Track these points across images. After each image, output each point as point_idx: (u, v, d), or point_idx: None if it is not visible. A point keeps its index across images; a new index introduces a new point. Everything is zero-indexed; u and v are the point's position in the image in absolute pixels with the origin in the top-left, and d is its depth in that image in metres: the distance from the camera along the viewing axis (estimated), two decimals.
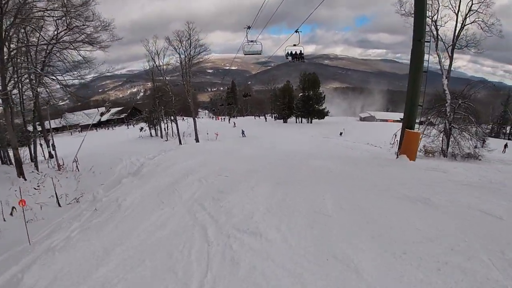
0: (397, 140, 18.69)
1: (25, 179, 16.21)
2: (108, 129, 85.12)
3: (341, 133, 42.28)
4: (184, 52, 33.61)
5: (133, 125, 62.35)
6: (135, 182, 14.22)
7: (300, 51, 20.22)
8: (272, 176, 11.68)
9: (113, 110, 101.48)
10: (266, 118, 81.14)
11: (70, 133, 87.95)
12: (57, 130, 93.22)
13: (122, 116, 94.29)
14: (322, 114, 66.62)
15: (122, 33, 23.96)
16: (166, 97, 41.06)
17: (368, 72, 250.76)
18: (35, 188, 14.44)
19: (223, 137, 39.30)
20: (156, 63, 36.19)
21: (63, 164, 21.26)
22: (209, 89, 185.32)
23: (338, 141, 32.77)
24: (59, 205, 12.72)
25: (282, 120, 70.71)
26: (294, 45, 19.26)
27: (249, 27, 19.40)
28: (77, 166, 20.62)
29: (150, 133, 50.20)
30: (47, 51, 21.24)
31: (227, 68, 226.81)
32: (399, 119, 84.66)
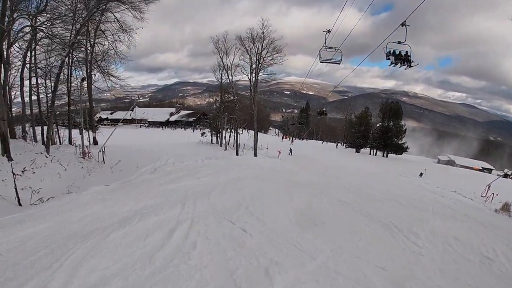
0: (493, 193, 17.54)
1: (11, 160, 13.25)
2: (174, 129, 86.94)
3: (421, 174, 36.12)
4: (256, 53, 29.72)
5: (199, 130, 59.40)
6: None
7: (406, 52, 14.24)
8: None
9: (183, 112, 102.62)
10: (337, 145, 75.64)
11: (139, 126, 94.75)
12: (126, 121, 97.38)
13: (191, 119, 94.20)
14: (400, 149, 59.81)
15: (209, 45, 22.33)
16: (231, 103, 38.69)
17: (446, 115, 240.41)
18: (14, 173, 10.78)
19: (286, 157, 35.28)
20: (224, 62, 33.34)
21: (89, 152, 19.20)
22: (284, 110, 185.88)
23: (419, 183, 26.90)
24: (19, 204, 9.64)
25: (354, 149, 64.76)
26: (399, 42, 13.55)
27: (329, 31, 15.91)
28: (103, 158, 18.62)
29: (211, 140, 48.94)
30: None
31: (304, 92, 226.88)
32: (482, 168, 77.75)
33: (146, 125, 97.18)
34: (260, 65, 29.94)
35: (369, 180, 21.85)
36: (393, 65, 14.34)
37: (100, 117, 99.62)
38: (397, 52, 14.18)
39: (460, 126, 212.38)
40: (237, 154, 31.53)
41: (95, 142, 25.39)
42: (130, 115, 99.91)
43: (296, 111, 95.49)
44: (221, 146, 42.41)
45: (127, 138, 41.02)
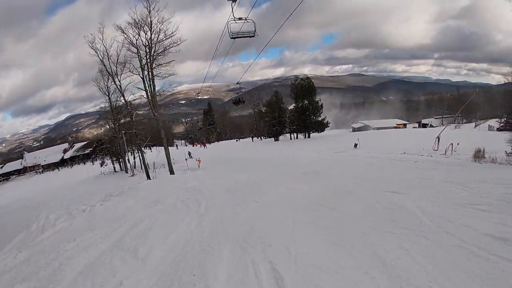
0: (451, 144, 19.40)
1: None
2: (71, 167, 78.93)
3: (356, 145, 32.51)
4: (146, 42, 23.29)
5: (99, 161, 51.10)
6: None
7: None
8: None
9: (78, 145, 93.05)
10: (252, 139, 72.03)
11: (33, 174, 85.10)
12: (19, 172, 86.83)
13: (87, 151, 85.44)
14: (322, 126, 56.96)
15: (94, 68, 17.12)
16: (126, 117, 32.36)
17: (338, 88, 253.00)
18: None
19: (210, 163, 29.62)
20: (108, 66, 26.83)
21: None
22: (183, 120, 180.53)
23: (364, 155, 23.33)
24: None
25: (273, 139, 60.83)
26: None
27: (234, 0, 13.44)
28: None
29: (114, 168, 41.84)
30: None
31: (199, 98, 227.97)
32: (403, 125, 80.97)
33: (40, 170, 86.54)
34: (153, 57, 23.44)
35: (317, 166, 18.53)
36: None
37: None
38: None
39: (354, 96, 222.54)
40: (148, 177, 24.85)
41: None
42: (21, 163, 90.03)
43: (195, 118, 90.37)
44: (126, 172, 35.45)
45: (16, 192, 37.61)
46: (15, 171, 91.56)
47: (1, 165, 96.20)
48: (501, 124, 35.49)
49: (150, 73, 23.87)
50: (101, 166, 43.88)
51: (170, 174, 24.36)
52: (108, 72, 26.97)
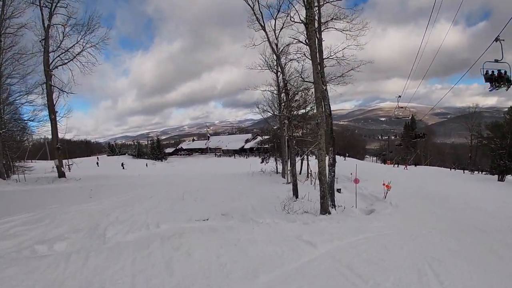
0: None
1: None
2: (247, 157, 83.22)
3: None
4: None
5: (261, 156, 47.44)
6: None
7: (505, 71, 12.15)
8: None
9: (260, 138, 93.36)
10: (464, 171, 57.66)
11: (212, 155, 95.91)
12: (202, 151, 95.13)
13: (268, 145, 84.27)
14: None
15: None
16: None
17: None
18: None
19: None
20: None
21: None
22: (380, 137, 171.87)
23: None
24: None
25: (494, 177, 44.47)
26: (496, 60, 11.99)
27: (399, 96, 18.88)
28: None
29: (276, 168, 37.96)
30: None
31: (400, 117, 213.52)
32: None
33: (219, 153, 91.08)
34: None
35: None
36: (492, 88, 12.99)
37: (181, 147, 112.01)
38: (495, 73, 12.65)
39: None
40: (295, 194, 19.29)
41: None
42: (206, 144, 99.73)
43: (393, 137, 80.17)
44: (283, 177, 30.61)
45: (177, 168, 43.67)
46: (198, 149, 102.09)
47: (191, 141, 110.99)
48: None
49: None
50: (262, 161, 41.24)
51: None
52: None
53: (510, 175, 43.64)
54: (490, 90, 13.12)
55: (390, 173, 36.42)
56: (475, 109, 66.49)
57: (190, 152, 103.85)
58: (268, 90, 29.99)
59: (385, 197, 18.95)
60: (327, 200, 14.83)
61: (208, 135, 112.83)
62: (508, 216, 14.84)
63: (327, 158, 16.11)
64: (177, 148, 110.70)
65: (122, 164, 63.33)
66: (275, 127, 37.33)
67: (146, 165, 69.91)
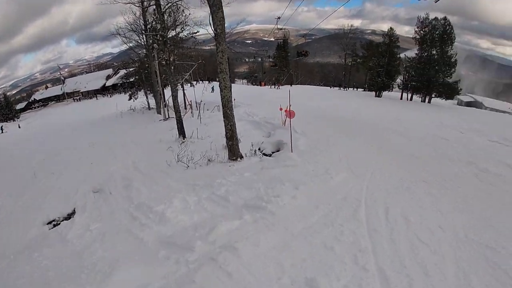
0: None
1: None
2: (111, 96, 75.34)
3: None
4: None
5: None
6: None
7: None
8: None
9: (124, 71, 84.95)
10: (339, 88, 61.24)
11: (73, 100, 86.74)
12: (58, 98, 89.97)
13: (133, 79, 77.20)
14: (452, 91, 42.45)
15: None
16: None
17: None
18: None
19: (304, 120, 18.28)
20: None
21: None
22: (247, 59, 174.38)
23: None
24: None
25: (371, 94, 47.45)
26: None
27: (279, 18, 18.53)
28: None
29: (148, 104, 33.89)
30: None
31: (266, 39, 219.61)
32: None
33: (78, 97, 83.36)
34: None
35: None
36: None
37: (34, 98, 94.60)
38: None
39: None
40: (182, 133, 16.82)
41: None
42: (61, 89, 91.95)
43: (259, 59, 79.66)
44: (159, 113, 27.14)
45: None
46: (54, 96, 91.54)
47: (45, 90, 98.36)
48: None
49: None
50: (130, 98, 36.05)
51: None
52: None
53: (386, 91, 46.99)
54: None
55: (273, 95, 35.25)
56: (349, 29, 67.57)
57: (46, 102, 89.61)
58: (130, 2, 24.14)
59: (284, 123, 16.93)
60: (236, 141, 12.03)
61: (63, 78, 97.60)
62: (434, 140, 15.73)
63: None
64: (30, 101, 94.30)
65: None
66: (141, 55, 32.29)
67: None
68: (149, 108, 32.43)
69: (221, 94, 11.57)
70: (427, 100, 43.79)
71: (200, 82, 36.90)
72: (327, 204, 7.97)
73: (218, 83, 11.70)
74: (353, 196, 8.52)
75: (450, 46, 41.03)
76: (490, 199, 8.89)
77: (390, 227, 6.85)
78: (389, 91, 47.51)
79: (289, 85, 62.35)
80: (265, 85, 68.06)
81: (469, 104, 66.06)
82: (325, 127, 17.58)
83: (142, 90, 34.85)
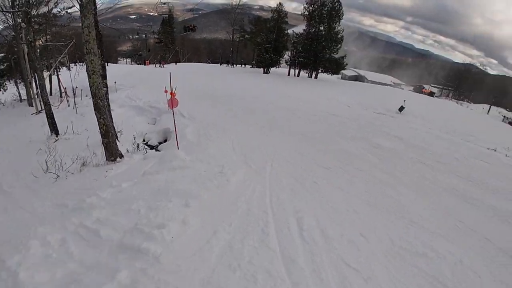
0: None
1: None
2: None
3: (401, 108, 23.34)
4: None
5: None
6: None
7: None
8: None
9: None
10: (227, 64, 60.48)
11: None
12: None
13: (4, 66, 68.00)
14: (338, 67, 44.33)
15: None
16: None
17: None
18: None
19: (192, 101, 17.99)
20: None
21: None
22: (131, 37, 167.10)
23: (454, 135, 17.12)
24: None
25: (259, 70, 47.66)
26: None
27: None
28: None
29: (19, 95, 28.17)
30: None
31: (151, 14, 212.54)
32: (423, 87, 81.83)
33: None
34: None
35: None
36: None
37: None
38: None
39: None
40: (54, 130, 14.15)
41: None
42: None
43: (143, 36, 75.46)
44: (31, 105, 22.89)
45: None
46: None
47: None
48: None
49: None
50: None
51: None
52: None
53: (274, 67, 47.24)
54: None
55: (158, 75, 31.78)
56: (237, 4, 66.57)
57: None
58: None
59: (171, 107, 14.74)
60: (113, 137, 10.18)
61: None
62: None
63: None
64: None
65: None
66: (9, 37, 27.30)
67: None
68: (20, 100, 27.73)
69: (89, 81, 9.44)
70: (313, 75, 45.12)
71: (80, 64, 32.73)
72: (228, 224, 6.35)
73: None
74: (257, 205, 7.27)
75: (338, 23, 42.46)
76: (394, 181, 9.11)
77: (309, 250, 5.67)
78: (277, 67, 47.91)
79: (175, 63, 60.10)
80: (150, 63, 64.04)
81: (352, 78, 71.52)
82: (214, 108, 17.03)
83: (13, 79, 29.56)
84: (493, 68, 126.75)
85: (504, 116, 58.92)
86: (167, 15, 65.90)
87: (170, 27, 67.71)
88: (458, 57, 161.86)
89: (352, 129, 14.82)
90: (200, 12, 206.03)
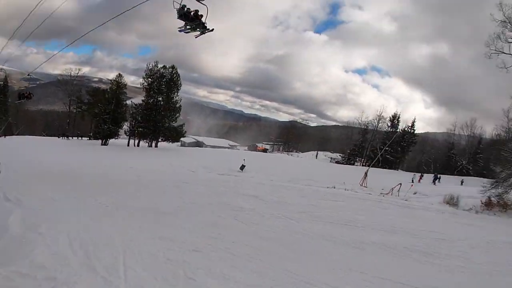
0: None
1: None
2: None
3: (243, 167, 26.53)
4: None
5: None
6: None
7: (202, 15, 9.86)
8: None
9: None
10: (67, 137, 55.73)
11: None
12: None
13: None
14: (178, 135, 46.64)
15: None
16: None
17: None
18: None
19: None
20: None
21: None
22: None
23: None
24: None
25: (101, 141, 46.42)
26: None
27: None
28: None
29: None
30: None
31: None
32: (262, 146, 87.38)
33: None
34: None
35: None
36: (185, 29, 10.60)
37: None
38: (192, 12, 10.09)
39: None
40: None
41: None
42: None
43: None
44: None
45: None
46: None
47: None
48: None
49: None
50: None
51: None
52: None
53: (113, 138, 47.01)
54: (180, 31, 10.91)
55: None
56: (76, 74, 66.98)
57: None
58: None
59: None
60: None
61: None
62: None
63: None
64: None
65: None
66: None
67: None
68: None
69: None
70: (154, 144, 46.13)
71: None
72: None
73: None
74: None
75: (176, 93, 45.31)
76: (279, 251, 8.61)
77: None
78: (116, 138, 47.70)
79: (3, 136, 54.28)
80: None
81: (192, 144, 75.94)
82: (49, 187, 14.14)
83: None
84: (313, 121, 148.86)
85: (331, 158, 72.58)
86: (1, 83, 59.78)
87: (4, 95, 61.14)
88: (282, 117, 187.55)
89: (206, 194, 14.77)
90: (38, 82, 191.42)
